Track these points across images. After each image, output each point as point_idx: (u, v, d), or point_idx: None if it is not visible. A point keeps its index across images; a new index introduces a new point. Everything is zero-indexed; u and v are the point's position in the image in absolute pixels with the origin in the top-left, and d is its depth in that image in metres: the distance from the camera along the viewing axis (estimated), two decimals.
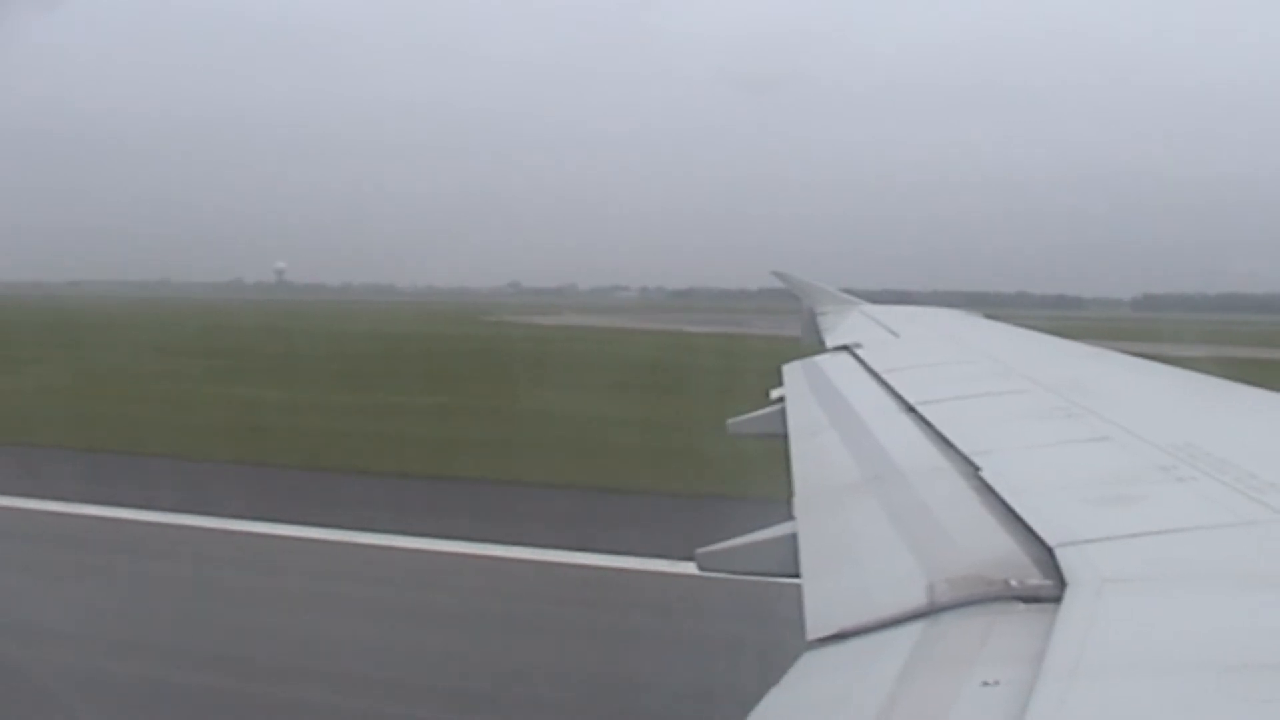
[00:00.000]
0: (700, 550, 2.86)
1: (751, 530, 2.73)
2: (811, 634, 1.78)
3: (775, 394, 5.16)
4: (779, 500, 2.79)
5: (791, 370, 5.74)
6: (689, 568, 3.19)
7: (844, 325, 7.78)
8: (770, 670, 1.69)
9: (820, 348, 6.84)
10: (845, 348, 6.03)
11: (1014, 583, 1.74)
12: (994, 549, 1.98)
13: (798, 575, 2.21)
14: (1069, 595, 1.63)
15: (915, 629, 1.67)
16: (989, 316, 9.14)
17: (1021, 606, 1.67)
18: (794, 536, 2.47)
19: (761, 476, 3.90)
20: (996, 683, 1.40)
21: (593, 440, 18.06)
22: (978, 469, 2.54)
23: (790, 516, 2.65)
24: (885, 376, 4.51)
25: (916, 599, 1.78)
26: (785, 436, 3.86)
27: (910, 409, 3.61)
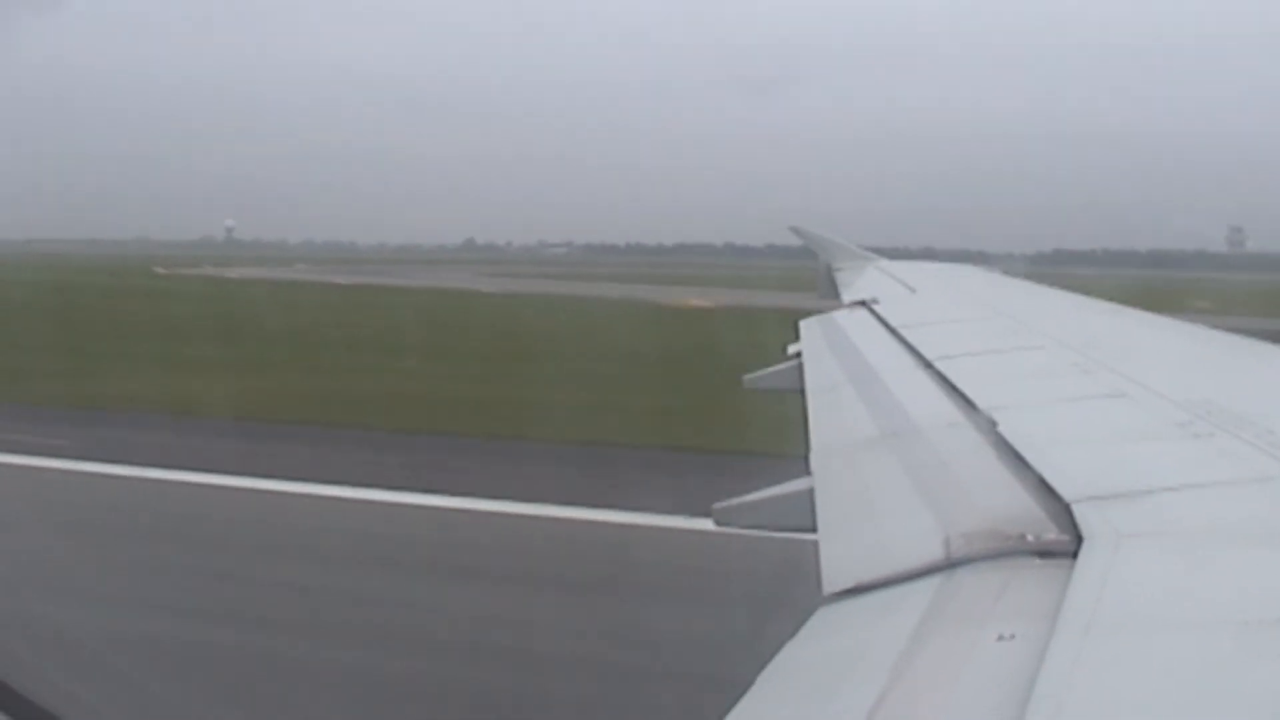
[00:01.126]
0: (717, 505, 2.87)
1: None
2: (828, 588, 1.80)
3: (793, 349, 5.15)
4: None
5: (809, 326, 5.73)
6: (706, 524, 3.21)
7: (861, 281, 7.74)
8: (788, 624, 1.71)
9: (837, 303, 6.81)
10: (862, 303, 6.01)
11: (1030, 538, 1.75)
12: (1010, 504, 1.98)
13: (815, 530, 2.22)
14: (1085, 550, 1.63)
15: (931, 583, 1.69)
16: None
17: (1038, 561, 1.68)
18: (811, 492, 2.48)
19: None
20: (1012, 637, 1.41)
21: None
22: (995, 424, 2.54)
23: (808, 472, 2.66)
24: (902, 332, 4.50)
25: (933, 553, 1.80)
26: (802, 391, 3.86)
27: (928, 365, 3.61)
